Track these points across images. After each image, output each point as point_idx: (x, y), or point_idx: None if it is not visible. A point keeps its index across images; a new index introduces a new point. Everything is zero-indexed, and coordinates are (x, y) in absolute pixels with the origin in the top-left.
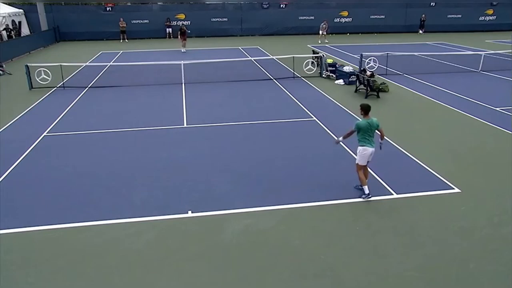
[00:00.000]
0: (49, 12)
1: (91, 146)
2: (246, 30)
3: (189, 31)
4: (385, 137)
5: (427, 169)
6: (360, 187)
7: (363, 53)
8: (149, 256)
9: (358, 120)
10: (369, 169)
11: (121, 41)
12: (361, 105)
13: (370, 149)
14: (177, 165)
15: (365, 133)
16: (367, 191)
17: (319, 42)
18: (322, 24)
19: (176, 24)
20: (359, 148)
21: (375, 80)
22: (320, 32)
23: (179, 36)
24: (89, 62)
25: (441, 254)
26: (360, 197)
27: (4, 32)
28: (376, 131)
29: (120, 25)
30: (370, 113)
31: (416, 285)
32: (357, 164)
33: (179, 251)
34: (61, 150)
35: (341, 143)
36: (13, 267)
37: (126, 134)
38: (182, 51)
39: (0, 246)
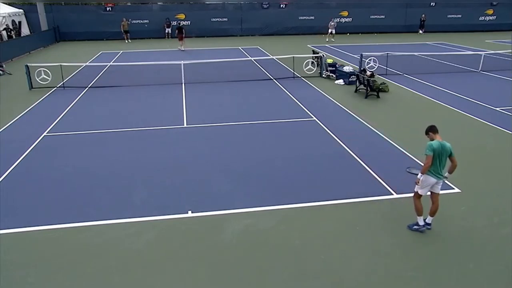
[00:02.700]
0: (49, 12)
1: (91, 146)
2: (246, 30)
3: (175, 30)
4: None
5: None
6: (413, 226)
7: (363, 53)
8: (149, 256)
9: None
10: (427, 197)
11: (127, 41)
12: (426, 130)
13: (432, 179)
14: (177, 165)
15: (436, 159)
16: (421, 223)
17: (327, 40)
18: (331, 22)
19: (177, 24)
20: (423, 175)
21: (375, 80)
22: (329, 30)
23: (176, 35)
24: (89, 62)
25: (441, 254)
26: (410, 227)
27: (4, 32)
28: (448, 159)
29: (124, 24)
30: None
31: (416, 285)
32: (416, 191)
33: (179, 251)
34: (61, 150)
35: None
36: (13, 267)
37: (126, 134)
38: (181, 49)
39: (0, 246)
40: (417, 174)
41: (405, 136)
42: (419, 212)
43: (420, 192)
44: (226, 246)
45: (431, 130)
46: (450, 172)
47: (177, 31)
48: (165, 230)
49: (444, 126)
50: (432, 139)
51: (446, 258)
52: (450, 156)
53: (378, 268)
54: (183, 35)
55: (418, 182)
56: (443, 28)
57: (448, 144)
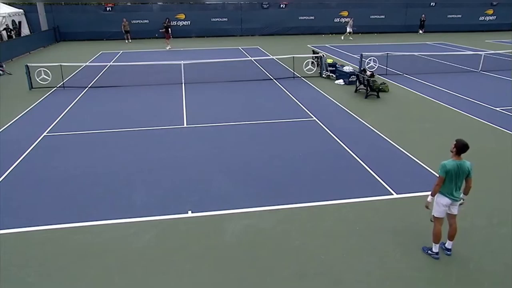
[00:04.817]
0: (49, 12)
1: (91, 146)
2: (246, 30)
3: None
4: (466, 194)
5: (427, 169)
6: (427, 250)
7: (363, 53)
8: (149, 256)
9: (437, 160)
10: (451, 222)
11: (127, 41)
12: (457, 141)
13: (447, 200)
14: (177, 165)
15: (451, 180)
16: (435, 250)
17: (351, 38)
18: (350, 21)
19: (176, 24)
20: (437, 195)
21: (375, 80)
22: (348, 29)
23: (165, 34)
24: (89, 62)
25: (441, 254)
26: (424, 250)
27: (4, 32)
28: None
29: (124, 25)
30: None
31: (416, 285)
32: (433, 215)
33: (179, 251)
34: (61, 150)
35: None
36: (13, 267)
37: (126, 134)
38: (167, 48)
39: (0, 246)
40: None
41: (405, 136)
42: (436, 239)
43: (437, 215)
44: (226, 246)
45: (460, 148)
46: (465, 193)
47: (164, 30)
48: (165, 230)
49: (444, 126)
50: (453, 156)
51: (446, 258)
52: (467, 177)
53: (378, 268)
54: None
55: (428, 206)
56: (443, 28)
57: (467, 164)
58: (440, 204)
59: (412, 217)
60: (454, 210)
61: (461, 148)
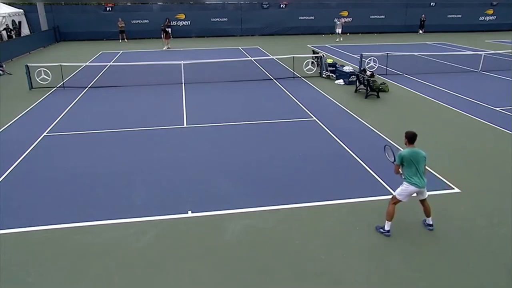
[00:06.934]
0: (49, 12)
1: (91, 146)
2: (246, 30)
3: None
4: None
5: (427, 169)
6: (379, 229)
7: (363, 53)
8: (150, 256)
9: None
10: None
11: (120, 41)
12: (406, 133)
13: (413, 188)
14: (177, 165)
15: (410, 167)
16: (387, 227)
17: (337, 40)
18: (337, 21)
19: (176, 24)
20: (405, 183)
21: (375, 80)
22: (337, 30)
23: (164, 34)
24: (89, 62)
25: (441, 254)
26: (377, 229)
27: (4, 32)
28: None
29: (119, 25)
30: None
31: (416, 285)
32: (394, 196)
33: (179, 251)
34: (61, 150)
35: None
36: (13, 267)
37: (126, 134)
38: (164, 48)
39: (0, 246)
40: (391, 160)
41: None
42: (389, 217)
43: (398, 197)
44: (226, 246)
45: (409, 137)
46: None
47: (163, 30)
48: (165, 230)
49: (444, 126)
50: (408, 146)
51: (446, 258)
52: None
53: (378, 268)
54: (168, 35)
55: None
56: (443, 28)
57: (422, 152)
58: (406, 191)
59: (412, 217)
60: (424, 195)
61: (410, 137)
